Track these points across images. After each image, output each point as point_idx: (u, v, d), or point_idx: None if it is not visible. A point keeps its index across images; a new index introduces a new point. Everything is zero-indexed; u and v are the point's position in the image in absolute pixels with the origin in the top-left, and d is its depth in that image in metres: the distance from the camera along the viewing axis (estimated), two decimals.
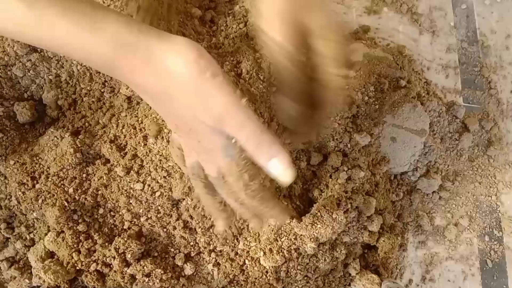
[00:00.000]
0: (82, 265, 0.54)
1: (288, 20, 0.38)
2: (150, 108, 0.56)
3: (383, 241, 0.63)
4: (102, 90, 0.59)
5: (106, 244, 0.54)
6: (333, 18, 0.39)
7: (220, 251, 0.57)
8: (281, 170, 0.36)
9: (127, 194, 0.55)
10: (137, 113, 0.57)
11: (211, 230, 0.56)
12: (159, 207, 0.55)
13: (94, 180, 0.56)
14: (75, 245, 0.54)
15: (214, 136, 0.36)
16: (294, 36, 0.39)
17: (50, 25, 0.33)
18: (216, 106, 0.34)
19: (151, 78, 0.35)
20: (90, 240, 0.54)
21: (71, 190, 0.55)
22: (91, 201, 0.55)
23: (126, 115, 0.57)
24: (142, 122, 0.56)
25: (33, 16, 0.32)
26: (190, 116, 0.35)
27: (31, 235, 0.57)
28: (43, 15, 0.32)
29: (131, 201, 0.55)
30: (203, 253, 0.56)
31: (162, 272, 0.54)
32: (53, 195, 0.55)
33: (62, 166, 0.56)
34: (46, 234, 0.55)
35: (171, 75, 0.34)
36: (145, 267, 0.54)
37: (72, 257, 0.53)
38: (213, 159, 0.39)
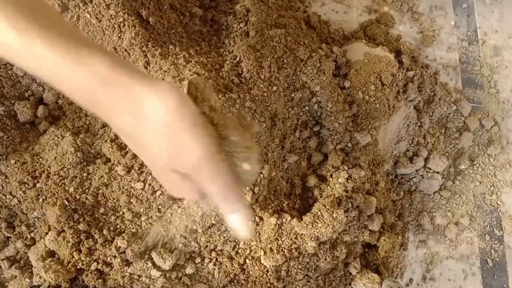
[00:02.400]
0: (82, 264, 0.54)
1: None
2: None
3: (384, 240, 0.63)
4: None
5: (107, 243, 0.54)
6: None
7: (221, 250, 0.57)
8: (240, 225, 0.37)
9: (128, 193, 0.55)
10: None
11: (211, 229, 0.56)
12: (160, 206, 0.55)
13: (94, 179, 0.56)
14: (75, 244, 0.54)
15: (184, 183, 0.36)
16: None
17: (38, 56, 0.33)
18: (190, 158, 0.34)
19: (130, 119, 0.34)
20: (90, 239, 0.54)
21: (71, 189, 0.55)
22: (92, 200, 0.55)
23: None
24: None
25: (23, 44, 0.33)
26: (164, 162, 0.35)
27: (32, 234, 0.57)
28: (31, 45, 0.33)
29: (131, 200, 0.55)
30: (204, 252, 0.57)
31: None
32: (54, 194, 0.55)
33: (62, 165, 0.56)
34: (46, 233, 0.55)
35: (150, 119, 0.33)
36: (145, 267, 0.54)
37: (73, 256, 0.54)
38: (188, 197, 0.40)
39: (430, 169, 0.70)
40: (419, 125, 0.71)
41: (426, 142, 0.71)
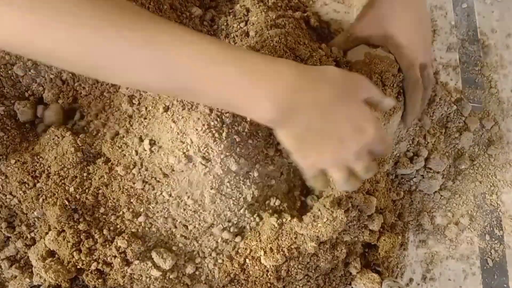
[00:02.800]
0: (82, 264, 0.54)
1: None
2: (152, 107, 0.56)
3: (384, 240, 0.63)
4: (102, 89, 0.59)
5: (107, 243, 0.54)
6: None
7: (221, 250, 0.57)
8: (389, 100, 0.47)
9: (128, 193, 0.55)
10: (139, 111, 0.57)
11: (211, 229, 0.56)
12: (160, 206, 0.55)
13: (95, 179, 0.56)
14: (76, 244, 0.54)
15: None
16: None
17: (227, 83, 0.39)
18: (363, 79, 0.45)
19: (327, 93, 0.42)
20: (90, 239, 0.54)
21: (72, 189, 0.55)
22: (92, 200, 0.55)
23: (126, 114, 0.57)
24: (142, 121, 0.56)
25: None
26: (355, 104, 0.43)
27: (32, 234, 0.57)
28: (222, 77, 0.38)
29: (131, 200, 0.55)
30: (204, 252, 0.57)
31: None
32: (54, 194, 0.55)
33: (63, 165, 0.56)
34: (47, 233, 0.56)
35: (337, 79, 0.43)
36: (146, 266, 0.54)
37: (73, 256, 0.54)
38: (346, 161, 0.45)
39: (430, 169, 0.70)
40: (420, 125, 0.71)
41: (426, 142, 0.70)
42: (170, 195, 0.54)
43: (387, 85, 0.62)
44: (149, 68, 0.36)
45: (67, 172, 0.56)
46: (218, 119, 0.52)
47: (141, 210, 0.55)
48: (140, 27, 0.35)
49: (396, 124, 0.63)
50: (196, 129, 0.51)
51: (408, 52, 0.57)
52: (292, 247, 0.55)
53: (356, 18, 0.59)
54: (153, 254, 0.54)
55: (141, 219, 0.55)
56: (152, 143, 0.55)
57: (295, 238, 0.55)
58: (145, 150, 0.55)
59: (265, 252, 0.54)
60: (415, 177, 0.70)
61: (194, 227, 0.55)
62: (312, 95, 0.40)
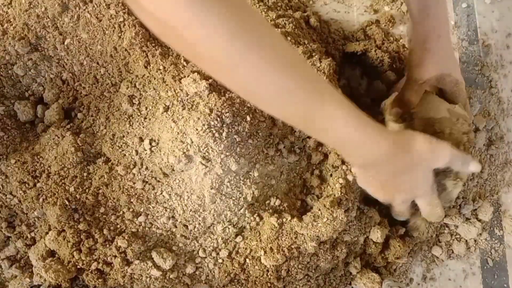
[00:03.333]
0: (83, 264, 0.54)
1: None
2: (152, 107, 0.56)
3: (397, 246, 0.62)
4: (102, 89, 0.59)
5: (107, 243, 0.54)
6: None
7: (221, 250, 0.57)
8: (475, 166, 0.55)
9: (128, 193, 0.55)
10: (139, 111, 0.57)
11: (211, 229, 0.56)
12: (160, 206, 0.55)
13: (95, 179, 0.56)
14: (76, 244, 0.54)
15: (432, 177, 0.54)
16: None
17: (374, 147, 0.48)
18: (444, 155, 0.52)
19: (410, 160, 0.51)
20: (91, 239, 0.54)
21: (72, 189, 0.55)
22: (92, 200, 0.55)
23: (127, 114, 0.57)
24: (142, 121, 0.56)
25: (362, 139, 0.47)
26: (424, 170, 0.53)
27: (32, 234, 0.57)
28: (370, 139, 0.47)
29: (132, 200, 0.55)
30: (204, 252, 0.57)
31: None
32: (54, 194, 0.55)
33: (63, 165, 0.56)
34: (47, 233, 0.56)
35: (419, 153, 0.50)
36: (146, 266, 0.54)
37: (73, 256, 0.54)
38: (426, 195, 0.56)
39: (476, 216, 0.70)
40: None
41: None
42: (170, 195, 0.54)
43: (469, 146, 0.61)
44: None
45: (67, 172, 0.56)
46: (218, 119, 0.52)
47: (141, 210, 0.55)
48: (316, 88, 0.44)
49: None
50: (196, 129, 0.51)
51: (464, 87, 0.63)
52: (292, 247, 0.55)
53: (413, 63, 0.61)
54: (153, 254, 0.54)
55: (141, 219, 0.55)
56: (152, 143, 0.55)
57: (295, 238, 0.55)
58: (145, 150, 0.55)
59: (265, 252, 0.54)
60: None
61: (194, 227, 0.55)
62: (395, 160, 0.50)
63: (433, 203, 0.56)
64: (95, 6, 0.57)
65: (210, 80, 0.53)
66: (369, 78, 0.72)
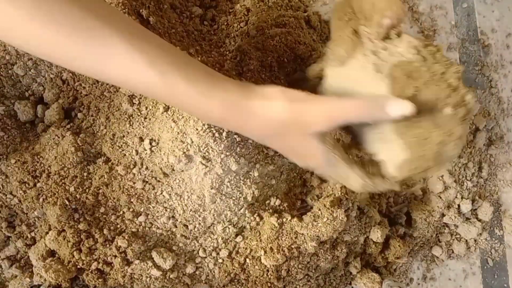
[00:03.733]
0: (83, 264, 0.54)
1: None
2: (152, 106, 0.56)
3: (397, 246, 0.62)
4: (103, 89, 0.59)
5: (107, 242, 0.54)
6: None
7: (221, 250, 0.57)
8: (397, 105, 0.41)
9: (128, 192, 0.55)
10: (139, 111, 0.57)
11: (211, 228, 0.56)
12: (160, 206, 0.55)
13: (95, 178, 0.56)
14: (76, 244, 0.54)
15: (318, 144, 0.43)
16: None
17: (175, 89, 0.41)
18: (317, 115, 0.42)
19: (255, 130, 0.44)
20: (91, 239, 0.54)
21: (72, 189, 0.55)
22: (92, 199, 0.55)
23: (127, 114, 0.57)
24: (142, 121, 0.56)
25: (163, 82, 0.40)
26: (297, 138, 0.43)
27: (32, 234, 0.57)
28: (174, 87, 0.40)
29: (132, 200, 0.55)
30: (204, 252, 0.57)
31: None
32: (54, 194, 0.55)
33: (63, 165, 0.56)
34: (47, 233, 0.56)
35: (271, 122, 0.42)
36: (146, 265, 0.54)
37: (73, 256, 0.54)
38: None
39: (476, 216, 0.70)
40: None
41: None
42: (170, 195, 0.54)
43: None
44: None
45: (67, 171, 0.56)
46: None
47: (142, 209, 0.55)
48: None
49: None
50: (197, 129, 0.51)
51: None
52: (293, 246, 0.55)
53: None
54: (154, 254, 0.54)
55: (141, 218, 0.55)
56: (153, 142, 0.55)
57: (295, 237, 0.55)
58: (145, 150, 0.55)
59: (265, 251, 0.54)
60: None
61: (195, 226, 0.55)
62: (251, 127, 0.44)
63: (339, 177, 0.47)
64: None
65: None
66: None
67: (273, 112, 0.42)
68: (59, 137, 0.57)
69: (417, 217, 0.66)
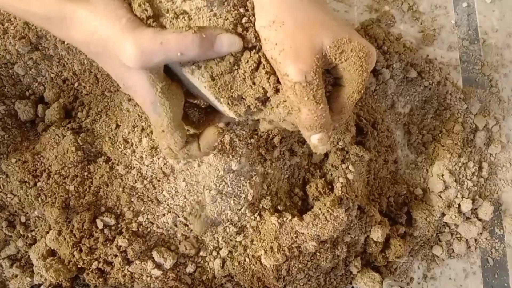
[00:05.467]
0: (83, 263, 0.54)
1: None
2: None
3: (397, 245, 0.62)
4: (103, 88, 0.59)
5: (108, 242, 0.54)
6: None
7: (221, 249, 0.57)
8: (226, 40, 0.37)
9: (129, 192, 0.55)
10: (138, 111, 0.57)
11: (211, 228, 0.56)
12: (161, 205, 0.55)
13: (95, 178, 0.56)
14: (76, 243, 0.54)
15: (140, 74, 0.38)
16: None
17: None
18: (130, 47, 0.36)
19: (82, 42, 0.39)
20: (91, 238, 0.54)
21: (72, 188, 0.55)
22: (93, 199, 0.55)
23: (127, 113, 0.57)
24: (143, 120, 0.56)
25: None
26: (118, 67, 0.38)
27: (33, 233, 0.57)
28: None
29: (132, 199, 0.55)
30: (204, 251, 0.57)
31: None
32: (55, 193, 0.55)
33: (63, 164, 0.56)
34: (47, 232, 0.56)
35: (94, 35, 0.37)
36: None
37: (74, 255, 0.54)
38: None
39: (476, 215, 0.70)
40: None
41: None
42: (170, 194, 0.54)
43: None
44: None
45: (68, 171, 0.56)
46: None
47: (142, 209, 0.55)
48: None
49: None
50: None
51: None
52: (293, 246, 0.55)
53: None
54: (154, 253, 0.54)
55: (141, 218, 0.55)
56: (153, 142, 0.55)
57: (296, 237, 0.55)
58: (146, 149, 0.55)
59: (265, 251, 0.54)
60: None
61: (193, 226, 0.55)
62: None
63: (157, 129, 0.42)
64: None
65: None
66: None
67: (96, 26, 0.37)
68: (59, 137, 0.57)
69: (418, 217, 0.66)
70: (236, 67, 0.39)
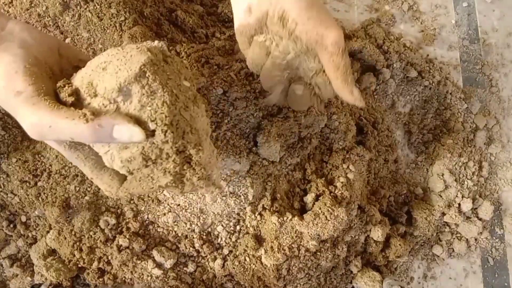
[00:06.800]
0: (84, 263, 0.54)
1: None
2: None
3: (397, 245, 0.62)
4: None
5: (108, 241, 0.54)
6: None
7: (222, 248, 0.57)
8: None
9: None
10: None
11: (211, 227, 0.56)
12: (161, 205, 0.55)
13: None
14: (76, 243, 0.54)
15: None
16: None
17: None
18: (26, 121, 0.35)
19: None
20: (92, 238, 0.54)
21: (72, 188, 0.55)
22: (93, 198, 0.55)
23: None
24: None
25: None
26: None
27: (33, 233, 0.57)
28: None
29: (133, 199, 0.55)
30: (205, 251, 0.57)
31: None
32: (54, 193, 0.55)
33: (64, 164, 0.56)
34: (48, 232, 0.56)
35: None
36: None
37: (74, 255, 0.54)
38: None
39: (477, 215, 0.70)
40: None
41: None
42: (170, 194, 0.54)
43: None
44: None
45: (68, 170, 0.56)
46: None
47: (142, 208, 0.55)
48: None
49: None
50: None
51: None
52: (293, 245, 0.55)
53: None
54: (154, 253, 0.54)
55: (142, 217, 0.55)
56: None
57: (296, 236, 0.55)
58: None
59: (266, 251, 0.54)
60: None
61: (195, 226, 0.55)
62: None
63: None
64: (96, 5, 0.57)
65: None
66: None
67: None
68: None
69: (418, 216, 0.66)
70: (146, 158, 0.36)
